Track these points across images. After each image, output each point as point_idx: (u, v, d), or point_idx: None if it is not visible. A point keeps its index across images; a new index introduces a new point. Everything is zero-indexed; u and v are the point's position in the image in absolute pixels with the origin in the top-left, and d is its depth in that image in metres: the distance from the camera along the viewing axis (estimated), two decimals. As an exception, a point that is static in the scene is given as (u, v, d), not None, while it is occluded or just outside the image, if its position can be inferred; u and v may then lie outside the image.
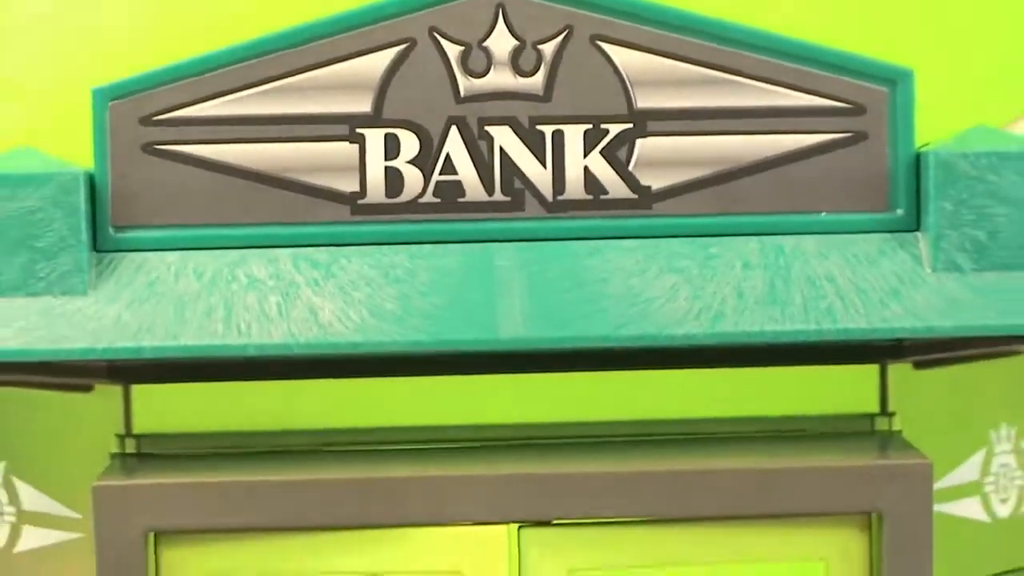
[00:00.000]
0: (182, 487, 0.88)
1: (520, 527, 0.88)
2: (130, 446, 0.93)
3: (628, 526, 0.88)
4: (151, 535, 0.88)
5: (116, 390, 0.94)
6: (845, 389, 0.94)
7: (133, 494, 0.87)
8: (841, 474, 0.88)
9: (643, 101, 0.89)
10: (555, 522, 0.88)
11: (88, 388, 0.94)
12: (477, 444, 0.92)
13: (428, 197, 0.89)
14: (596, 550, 0.88)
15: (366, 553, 0.89)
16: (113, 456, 0.93)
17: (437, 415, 0.94)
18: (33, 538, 0.98)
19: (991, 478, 0.99)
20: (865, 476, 0.88)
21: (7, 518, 1.00)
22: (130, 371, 0.93)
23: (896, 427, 0.94)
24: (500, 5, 0.89)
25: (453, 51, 0.89)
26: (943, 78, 1.21)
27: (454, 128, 0.89)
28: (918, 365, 0.95)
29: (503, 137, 0.89)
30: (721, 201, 0.90)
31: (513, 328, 0.86)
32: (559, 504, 0.88)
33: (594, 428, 0.94)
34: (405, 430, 0.93)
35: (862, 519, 0.88)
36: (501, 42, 0.89)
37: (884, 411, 0.94)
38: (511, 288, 0.88)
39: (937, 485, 0.96)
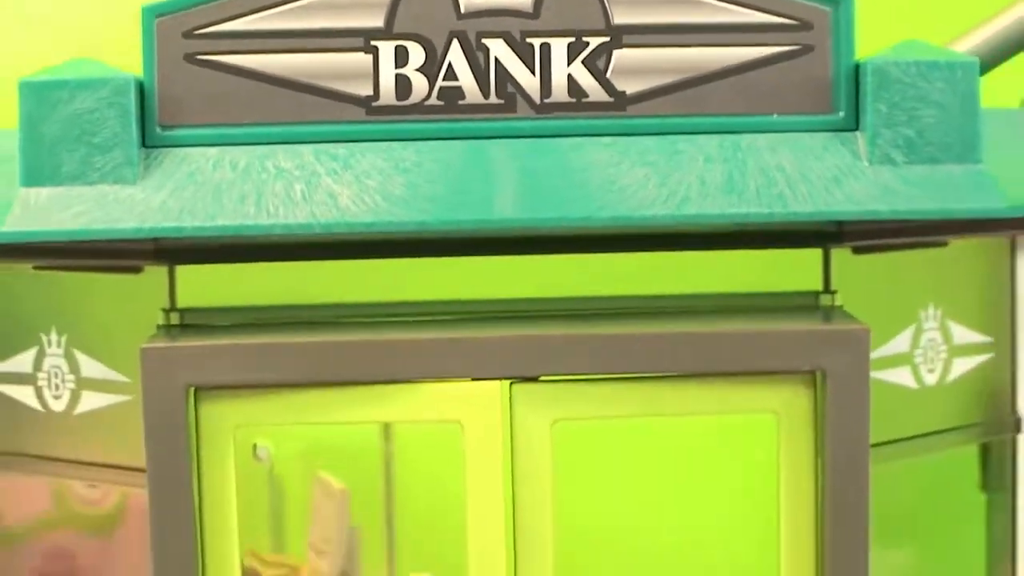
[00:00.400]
0: (218, 348, 0.89)
1: (511, 383, 0.88)
2: (174, 319, 0.94)
3: (604, 382, 0.89)
4: (191, 390, 0.88)
5: (162, 271, 0.94)
6: (793, 270, 0.95)
7: (175, 354, 0.88)
8: (791, 337, 0.89)
9: (619, 18, 0.90)
10: (541, 379, 0.89)
11: (138, 270, 0.95)
12: (475, 314, 0.92)
13: (433, 100, 0.90)
14: (576, 403, 0.90)
15: (378, 405, 0.89)
16: (159, 327, 0.93)
17: (441, 291, 0.95)
18: (90, 401, 0.99)
19: (920, 351, 1.00)
20: (812, 339, 0.89)
21: (68, 385, 1.00)
22: (174, 253, 0.93)
23: (838, 303, 0.94)
24: (496, -67, 0.90)
25: (455, -27, 0.90)
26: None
27: (455, 41, 0.90)
28: (857, 250, 0.96)
29: (497, 48, 0.90)
30: (687, 104, 0.91)
31: (506, 210, 0.87)
32: (545, 363, 0.89)
33: (575, 302, 0.95)
34: (413, 304, 0.94)
35: (808, 377, 0.89)
36: (497, -34, 0.90)
37: (827, 289, 0.95)
38: (504, 177, 0.89)
39: (873, 355, 0.96)
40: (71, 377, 1.01)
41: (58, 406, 1.02)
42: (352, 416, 0.90)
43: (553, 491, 0.90)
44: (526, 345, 0.89)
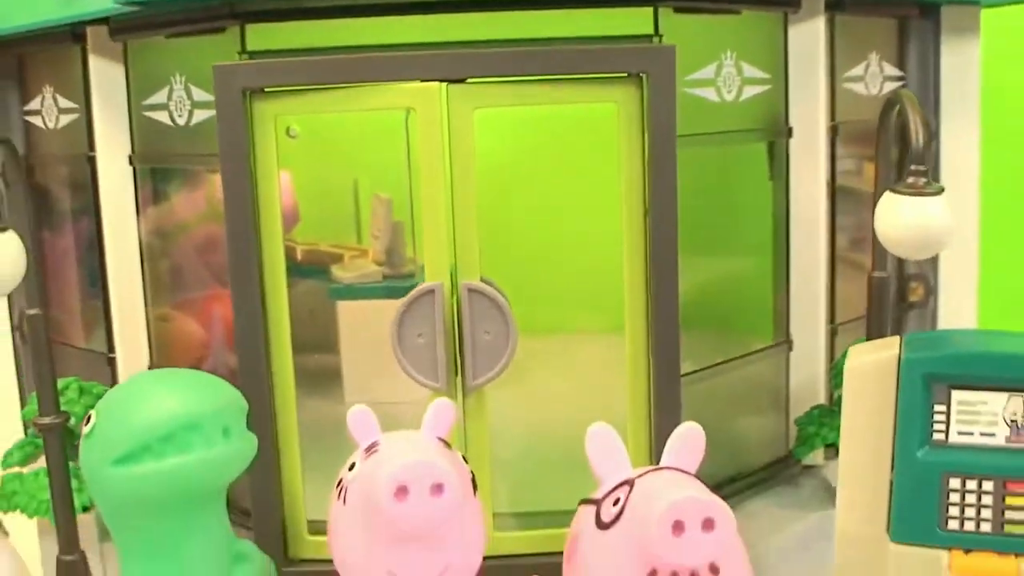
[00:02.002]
0: (260, 64, 0.89)
1: (447, 84, 0.86)
2: (244, 58, 0.92)
3: (507, 84, 0.87)
4: (246, 92, 0.87)
5: (236, 28, 0.92)
6: (636, 22, 0.92)
7: (233, 68, 0.88)
8: (627, 51, 0.87)
9: None
10: (468, 80, 0.87)
11: (223, 29, 0.93)
12: (425, 46, 0.90)
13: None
14: (488, 96, 0.88)
15: (365, 99, 0.89)
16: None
17: (406, 36, 0.91)
18: (199, 116, 1.00)
19: (721, 78, 0.98)
20: (639, 52, 0.87)
21: (186, 107, 1.02)
22: (242, 15, 0.91)
23: (664, 40, 0.91)
24: None
25: None
26: None
27: None
28: (677, 10, 0.92)
29: None
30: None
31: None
32: (468, 70, 0.87)
33: (486, 44, 0.91)
34: (389, 45, 0.91)
35: (637, 80, 0.87)
36: None
37: (656, 33, 0.91)
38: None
39: (689, 77, 0.94)
40: (188, 102, 1.00)
41: (181, 121, 1.01)
42: (346, 107, 0.89)
43: (475, 157, 0.88)
44: (456, 59, 0.87)
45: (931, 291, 1.18)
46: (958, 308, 1.16)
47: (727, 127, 0.98)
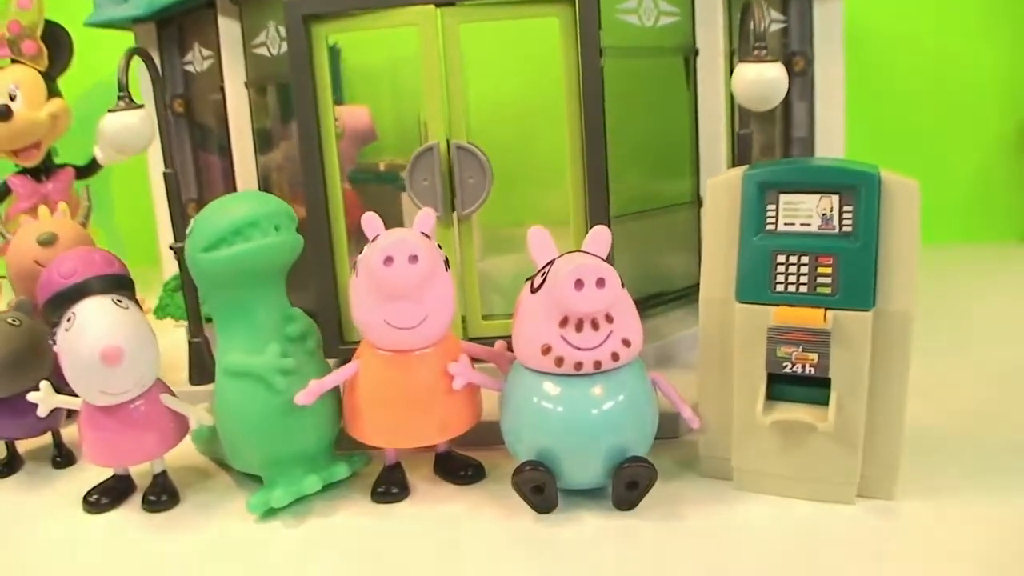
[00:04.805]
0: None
1: (441, 7, 0.86)
2: (310, 2, 0.91)
3: (479, 6, 0.86)
4: (306, 18, 0.86)
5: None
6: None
7: (296, 1, 0.86)
8: (561, -21, 0.84)
9: None
10: (455, 4, 0.85)
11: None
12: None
13: None
14: (467, 14, 0.86)
15: (387, 19, 0.87)
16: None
17: None
18: (284, 47, 0.97)
19: (642, 9, 0.95)
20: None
21: (276, 40, 1.00)
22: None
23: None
24: None
25: None
26: None
27: None
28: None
29: None
30: None
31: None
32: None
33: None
34: None
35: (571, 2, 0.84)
36: None
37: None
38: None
39: (619, 7, 0.91)
40: (278, 38, 1.00)
41: (274, 52, 1.01)
42: (372, 25, 0.88)
43: (460, 59, 0.87)
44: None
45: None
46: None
47: (648, 44, 0.96)
